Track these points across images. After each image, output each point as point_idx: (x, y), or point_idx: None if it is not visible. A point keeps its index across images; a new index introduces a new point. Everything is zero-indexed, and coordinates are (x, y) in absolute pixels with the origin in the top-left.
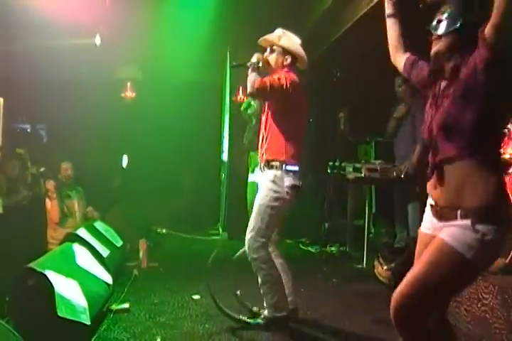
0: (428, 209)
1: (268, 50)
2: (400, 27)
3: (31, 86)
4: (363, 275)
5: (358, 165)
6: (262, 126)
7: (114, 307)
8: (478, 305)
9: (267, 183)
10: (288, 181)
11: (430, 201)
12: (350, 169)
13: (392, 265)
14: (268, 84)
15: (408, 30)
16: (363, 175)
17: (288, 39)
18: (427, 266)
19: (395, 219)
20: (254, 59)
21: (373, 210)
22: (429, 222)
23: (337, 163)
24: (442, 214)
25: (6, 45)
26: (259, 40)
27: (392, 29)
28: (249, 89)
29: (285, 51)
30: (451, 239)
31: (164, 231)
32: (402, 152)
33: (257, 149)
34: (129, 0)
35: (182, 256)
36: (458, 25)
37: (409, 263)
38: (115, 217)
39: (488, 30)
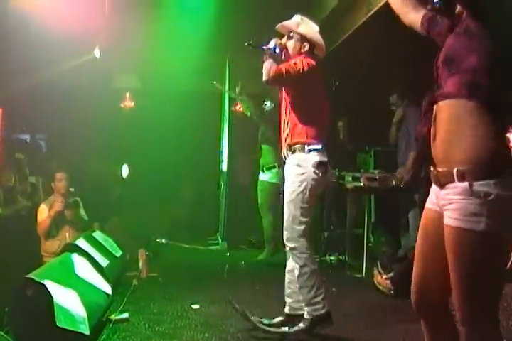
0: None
1: (286, 36)
2: None
3: (30, 96)
4: (363, 284)
5: (357, 175)
6: (283, 113)
7: (113, 317)
8: None
9: (292, 169)
10: (313, 159)
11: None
12: (350, 178)
13: (392, 274)
14: (284, 70)
15: None
16: (362, 184)
17: (306, 26)
18: (458, 270)
19: (398, 228)
20: (272, 44)
21: (373, 219)
22: (433, 193)
23: (336, 173)
24: (440, 176)
25: (5, 55)
26: (277, 25)
27: None
28: (264, 77)
29: (303, 38)
30: (454, 219)
31: (163, 241)
32: (400, 159)
33: (280, 136)
34: (128, 9)
35: (181, 265)
36: None
37: (408, 273)
38: (114, 226)
39: None
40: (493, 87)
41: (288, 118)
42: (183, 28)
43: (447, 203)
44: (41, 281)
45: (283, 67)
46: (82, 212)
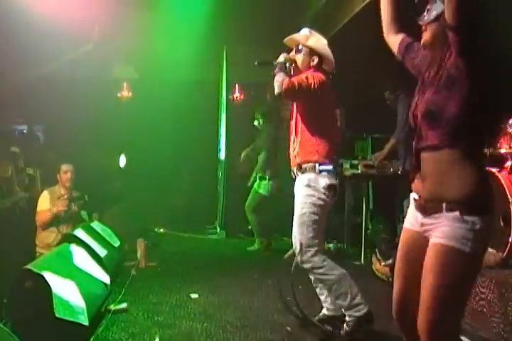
0: (412, 204)
1: (294, 49)
2: (397, 2)
3: (27, 87)
4: (361, 271)
5: (355, 162)
6: (292, 130)
7: (112, 307)
8: (476, 299)
9: (302, 189)
10: (323, 182)
11: (413, 195)
12: (347, 166)
13: (390, 261)
14: (296, 84)
15: (404, 25)
16: (360, 171)
17: (315, 39)
18: (438, 280)
19: (396, 215)
20: (281, 58)
21: (371, 206)
22: (413, 217)
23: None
24: (427, 207)
25: (2, 47)
26: (286, 39)
27: (386, 2)
28: (277, 90)
29: (312, 52)
30: (446, 239)
31: (162, 230)
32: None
33: (289, 153)
34: (125, 0)
35: (180, 255)
36: (440, 13)
37: None
38: (113, 216)
39: (446, 14)
40: (474, 133)
41: (298, 135)
42: (181, 18)
43: (433, 227)
44: (40, 272)
45: (295, 80)
46: (83, 211)
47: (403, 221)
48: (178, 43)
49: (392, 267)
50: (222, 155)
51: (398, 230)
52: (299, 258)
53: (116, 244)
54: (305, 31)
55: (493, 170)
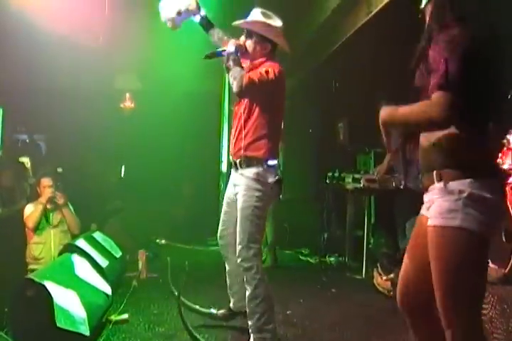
0: None
1: (244, 34)
2: None
3: (30, 96)
4: (362, 285)
5: (357, 176)
6: (240, 120)
7: (113, 317)
8: None
9: (248, 183)
10: (272, 177)
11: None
12: (350, 179)
13: (392, 275)
14: (257, 81)
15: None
16: (362, 185)
17: (267, 23)
18: (440, 266)
19: (398, 230)
20: (231, 47)
21: (373, 221)
22: (424, 200)
23: (336, 174)
24: (424, 181)
25: (6, 55)
26: (235, 23)
27: None
28: (236, 88)
29: (264, 38)
30: (433, 218)
31: (163, 241)
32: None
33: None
34: (128, 10)
35: (181, 266)
36: None
37: None
38: (114, 227)
39: None
40: (466, 112)
41: (246, 127)
42: (184, 29)
43: (429, 205)
44: (41, 282)
45: (254, 76)
46: (71, 211)
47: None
48: (182, 54)
49: (393, 281)
50: (223, 167)
51: (400, 245)
52: (241, 254)
53: (118, 254)
54: (256, 14)
55: None
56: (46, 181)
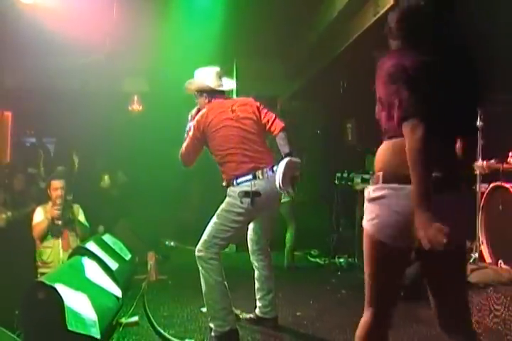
0: None
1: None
2: None
3: (39, 100)
4: None
5: (366, 176)
6: None
7: (123, 320)
8: (490, 317)
9: (226, 198)
10: (238, 189)
11: None
12: (359, 180)
13: None
14: (184, 149)
15: None
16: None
17: (196, 79)
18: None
19: None
20: (190, 119)
21: None
22: None
23: (345, 174)
24: None
25: (15, 59)
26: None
27: None
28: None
29: (200, 92)
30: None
31: (172, 243)
32: None
33: None
34: (136, 13)
35: (190, 268)
36: None
37: (419, 275)
38: (123, 229)
39: None
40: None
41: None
42: (191, 32)
43: None
44: (52, 285)
45: (183, 146)
46: (82, 218)
47: None
48: (190, 57)
49: (403, 282)
50: None
51: None
52: (202, 243)
53: (128, 257)
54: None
55: (507, 185)
56: (57, 183)
